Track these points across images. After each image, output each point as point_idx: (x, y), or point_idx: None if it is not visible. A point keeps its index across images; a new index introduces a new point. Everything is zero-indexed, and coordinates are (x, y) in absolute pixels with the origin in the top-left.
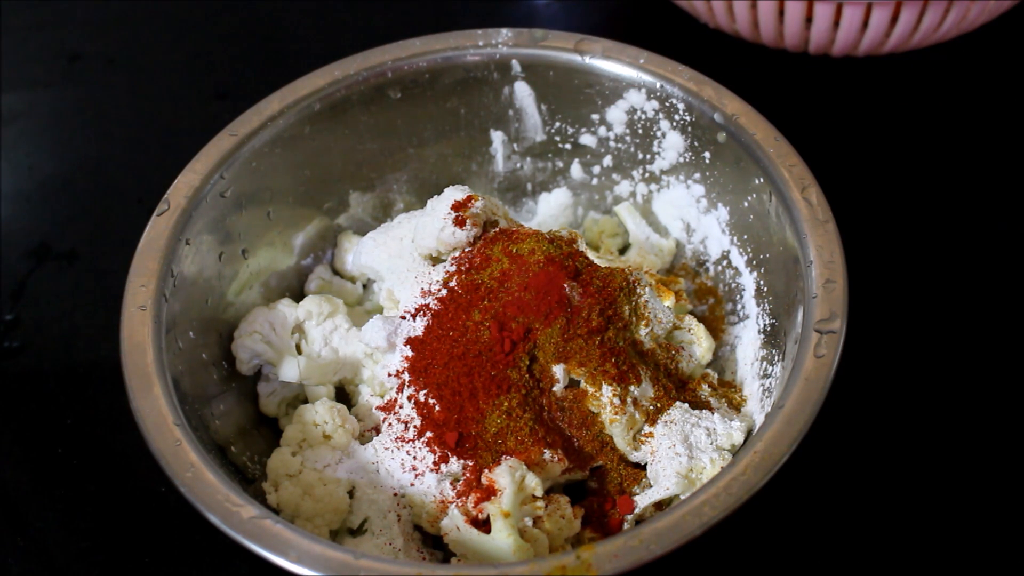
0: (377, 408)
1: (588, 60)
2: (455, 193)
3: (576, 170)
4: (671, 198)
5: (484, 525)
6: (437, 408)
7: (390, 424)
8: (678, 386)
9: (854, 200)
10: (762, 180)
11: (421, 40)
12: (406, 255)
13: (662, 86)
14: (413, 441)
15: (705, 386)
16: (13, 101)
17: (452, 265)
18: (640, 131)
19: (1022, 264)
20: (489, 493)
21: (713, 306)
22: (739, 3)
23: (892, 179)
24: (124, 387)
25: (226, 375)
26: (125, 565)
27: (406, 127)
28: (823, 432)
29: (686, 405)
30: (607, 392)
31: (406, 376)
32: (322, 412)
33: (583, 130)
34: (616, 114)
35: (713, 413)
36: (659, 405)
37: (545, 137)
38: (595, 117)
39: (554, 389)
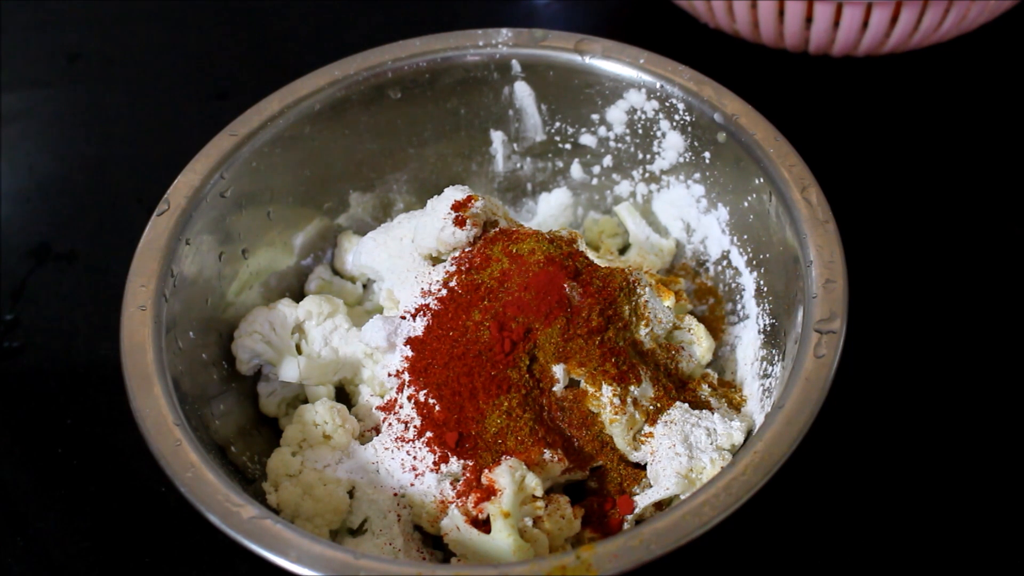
0: (377, 408)
1: (588, 60)
2: (455, 193)
3: (576, 170)
4: (671, 198)
5: (484, 525)
6: (437, 408)
7: (390, 424)
8: (678, 386)
9: (854, 200)
10: (762, 180)
11: (421, 40)
12: (406, 255)
13: (662, 86)
14: (413, 441)
15: (705, 386)
16: (13, 101)
17: (452, 265)
18: (640, 131)
19: (1021, 263)
20: (489, 493)
21: (713, 306)
22: (739, 3)
23: (892, 179)
24: (124, 387)
25: (226, 375)
26: (125, 565)
27: (406, 127)
28: (823, 432)
29: (686, 405)
30: (607, 392)
31: (406, 376)
32: (322, 412)
33: (583, 130)
34: (616, 114)
35: (713, 413)
36: (659, 405)
37: (545, 137)
38: (595, 117)
39: (554, 389)
